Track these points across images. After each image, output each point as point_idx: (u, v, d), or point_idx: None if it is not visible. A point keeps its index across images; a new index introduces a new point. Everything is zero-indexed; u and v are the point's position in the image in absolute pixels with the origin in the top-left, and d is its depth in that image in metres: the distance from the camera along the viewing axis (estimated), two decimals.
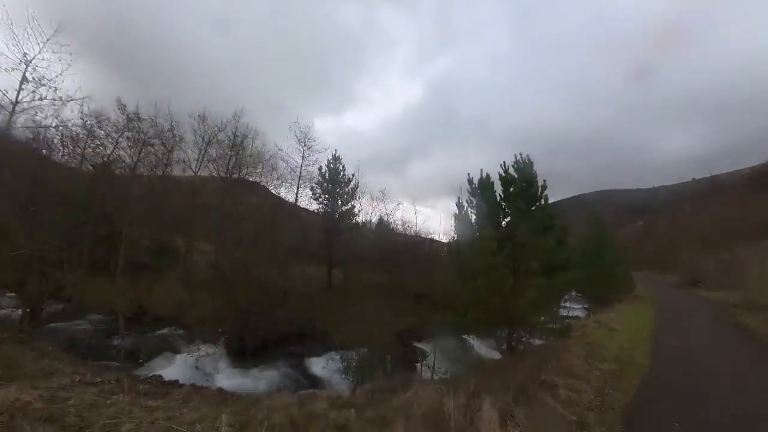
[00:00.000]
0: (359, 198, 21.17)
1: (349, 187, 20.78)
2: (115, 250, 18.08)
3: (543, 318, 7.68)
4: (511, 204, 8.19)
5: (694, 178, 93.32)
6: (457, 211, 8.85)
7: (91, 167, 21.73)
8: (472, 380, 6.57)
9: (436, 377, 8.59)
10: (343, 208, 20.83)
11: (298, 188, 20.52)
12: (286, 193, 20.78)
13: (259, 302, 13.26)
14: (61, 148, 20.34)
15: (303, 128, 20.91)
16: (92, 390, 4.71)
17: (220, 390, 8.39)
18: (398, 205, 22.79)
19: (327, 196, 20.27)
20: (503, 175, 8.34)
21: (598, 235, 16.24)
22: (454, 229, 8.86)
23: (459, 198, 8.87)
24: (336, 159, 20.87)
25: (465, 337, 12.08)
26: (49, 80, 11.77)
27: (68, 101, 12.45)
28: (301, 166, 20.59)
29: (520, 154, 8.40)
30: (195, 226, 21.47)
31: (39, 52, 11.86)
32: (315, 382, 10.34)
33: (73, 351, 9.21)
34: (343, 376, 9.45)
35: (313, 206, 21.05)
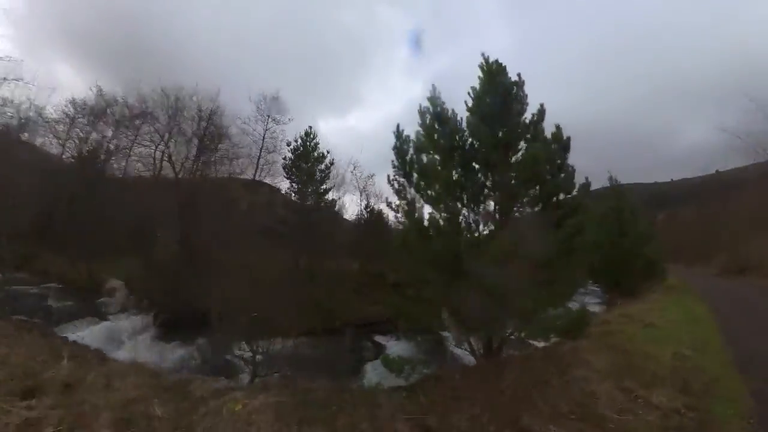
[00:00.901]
0: (336, 179, 18.06)
1: (323, 164, 17.67)
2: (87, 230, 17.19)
3: (536, 302, 4.14)
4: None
5: (717, 170, 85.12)
6: (395, 141, 5.49)
7: (72, 157, 20.71)
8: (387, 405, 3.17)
9: (371, 384, 5.34)
10: (320, 188, 17.79)
11: (258, 159, 17.60)
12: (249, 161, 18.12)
13: (199, 282, 11.38)
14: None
15: (267, 98, 17.94)
16: None
17: (97, 351, 7.20)
18: (371, 177, 19.28)
19: (297, 172, 17.26)
20: (471, 106, 4.92)
21: (620, 206, 12.27)
22: (393, 164, 5.43)
23: (398, 126, 5.49)
24: (308, 134, 17.87)
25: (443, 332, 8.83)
26: None
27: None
28: (264, 137, 17.63)
29: (483, 55, 4.92)
30: (162, 210, 19.26)
31: None
32: (228, 368, 8.80)
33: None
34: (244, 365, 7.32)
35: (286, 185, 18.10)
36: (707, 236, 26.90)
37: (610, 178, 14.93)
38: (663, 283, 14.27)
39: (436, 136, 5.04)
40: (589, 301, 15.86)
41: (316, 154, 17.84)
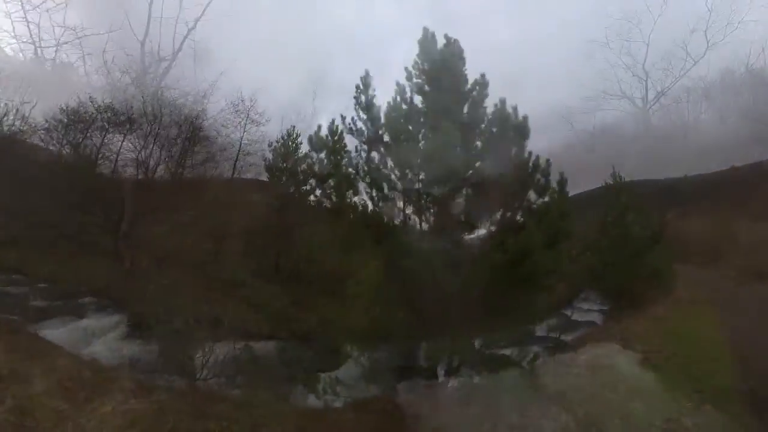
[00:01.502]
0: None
1: (306, 164, 16.68)
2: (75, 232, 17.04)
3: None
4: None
5: (733, 166, 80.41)
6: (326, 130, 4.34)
7: (62, 162, 20.49)
8: None
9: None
10: (301, 189, 16.83)
11: (236, 161, 16.79)
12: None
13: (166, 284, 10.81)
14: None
15: (246, 99, 17.07)
16: None
17: (57, 347, 6.53)
18: None
19: (278, 173, 16.36)
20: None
21: (623, 205, 10.69)
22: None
23: (334, 121, 4.41)
24: (290, 134, 16.90)
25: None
26: None
27: None
28: (241, 139, 16.79)
29: (424, 28, 3.71)
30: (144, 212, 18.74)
31: None
32: (191, 369, 7.93)
33: None
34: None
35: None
36: (722, 236, 24.70)
37: (613, 174, 13.29)
38: (672, 292, 12.58)
39: (362, 126, 3.90)
40: (588, 307, 14.30)
41: (298, 154, 16.93)
